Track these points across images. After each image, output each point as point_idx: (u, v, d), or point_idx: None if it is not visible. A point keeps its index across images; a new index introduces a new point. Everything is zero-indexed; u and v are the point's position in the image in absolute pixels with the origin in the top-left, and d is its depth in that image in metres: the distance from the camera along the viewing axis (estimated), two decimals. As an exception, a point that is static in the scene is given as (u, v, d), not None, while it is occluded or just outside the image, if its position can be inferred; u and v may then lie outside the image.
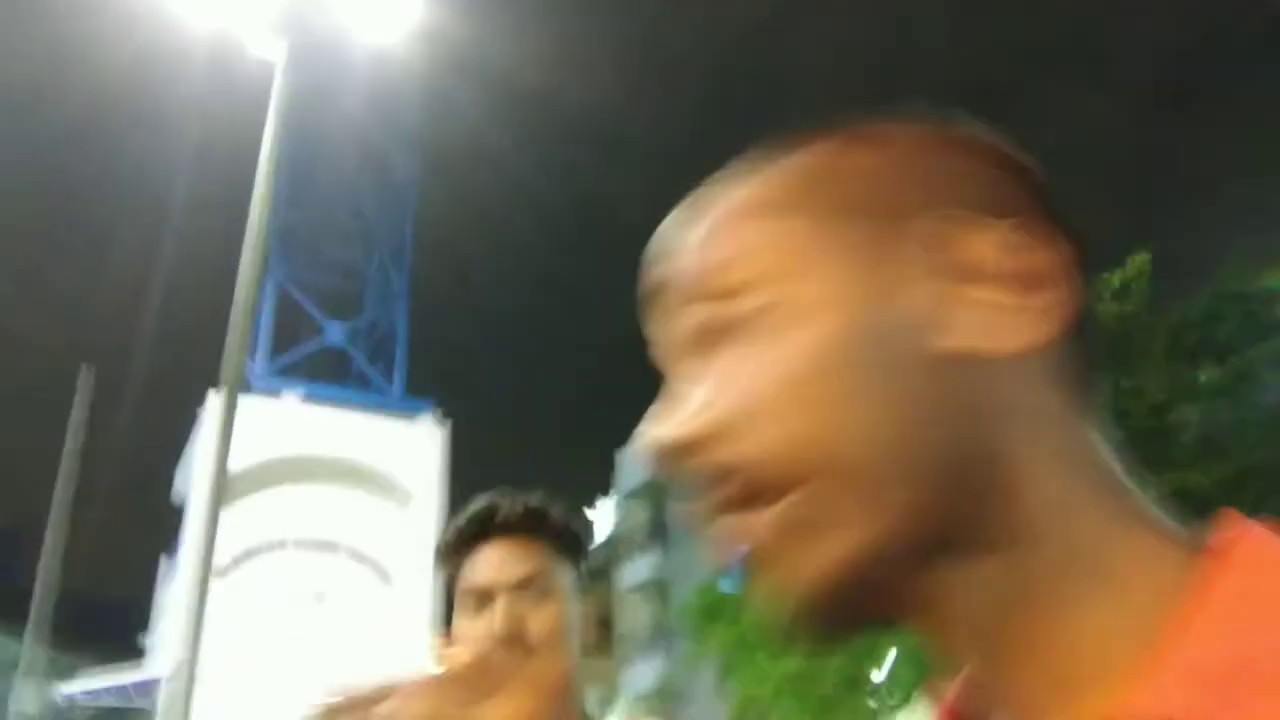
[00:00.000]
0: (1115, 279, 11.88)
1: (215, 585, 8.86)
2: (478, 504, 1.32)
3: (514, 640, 1.21)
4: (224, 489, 8.81)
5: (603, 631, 30.11)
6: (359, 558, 23.18)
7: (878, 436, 0.40)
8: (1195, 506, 0.42)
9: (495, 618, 1.22)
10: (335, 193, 25.41)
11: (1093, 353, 0.45)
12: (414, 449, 21.34)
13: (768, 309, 0.43)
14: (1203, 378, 11.96)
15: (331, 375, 24.00)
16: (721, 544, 0.43)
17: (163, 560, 23.61)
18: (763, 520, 0.41)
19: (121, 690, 20.38)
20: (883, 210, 0.44)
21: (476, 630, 1.24)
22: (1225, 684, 0.34)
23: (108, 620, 34.80)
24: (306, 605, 21.26)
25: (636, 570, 28.72)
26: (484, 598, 1.25)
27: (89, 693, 20.73)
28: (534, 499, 1.33)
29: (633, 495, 29.59)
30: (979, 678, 0.43)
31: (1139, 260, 12.09)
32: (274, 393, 21.13)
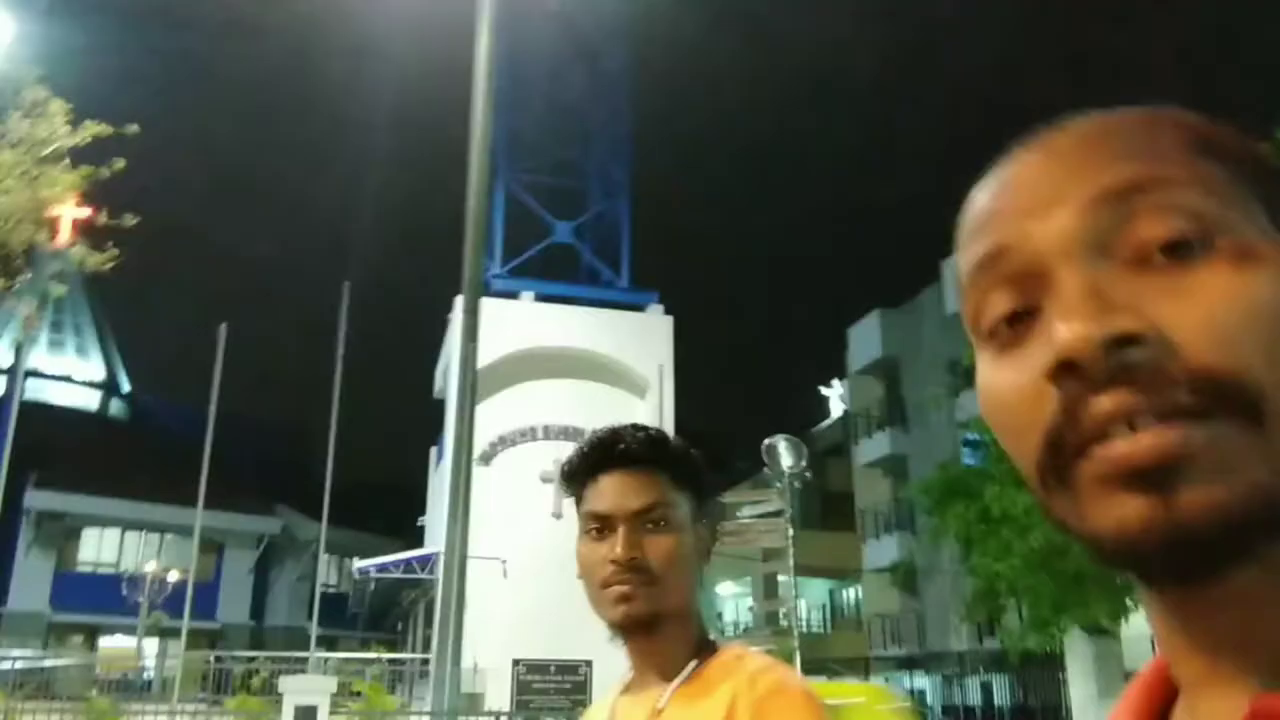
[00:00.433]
0: None
1: (476, 471, 9.66)
2: (602, 432, 1.35)
3: (633, 566, 1.25)
4: (475, 385, 9.49)
5: (841, 507, 30.33)
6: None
7: None
8: None
9: (616, 543, 1.27)
10: (551, 92, 25.86)
11: None
12: (643, 340, 21.92)
13: (1217, 231, 0.44)
14: None
15: (563, 272, 24.90)
16: (1127, 448, 0.41)
17: (432, 451, 25.76)
18: (1184, 435, 0.40)
19: (406, 564, 22.56)
20: (1249, 176, 0.47)
21: (596, 554, 1.29)
22: None
23: (392, 504, 38.66)
24: (557, 486, 22.58)
25: (873, 446, 28.55)
26: (605, 523, 1.29)
27: (378, 566, 23.16)
28: (655, 431, 1.36)
29: (865, 372, 29.23)
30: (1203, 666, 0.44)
31: None
32: (511, 293, 22.19)
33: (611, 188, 25.52)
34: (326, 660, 20.68)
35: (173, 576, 29.00)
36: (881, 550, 27.28)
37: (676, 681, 1.26)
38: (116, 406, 49.82)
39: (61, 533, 37.01)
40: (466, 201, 9.30)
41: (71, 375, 47.26)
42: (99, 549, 38.25)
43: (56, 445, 35.01)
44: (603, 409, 22.69)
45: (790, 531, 13.00)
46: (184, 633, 19.33)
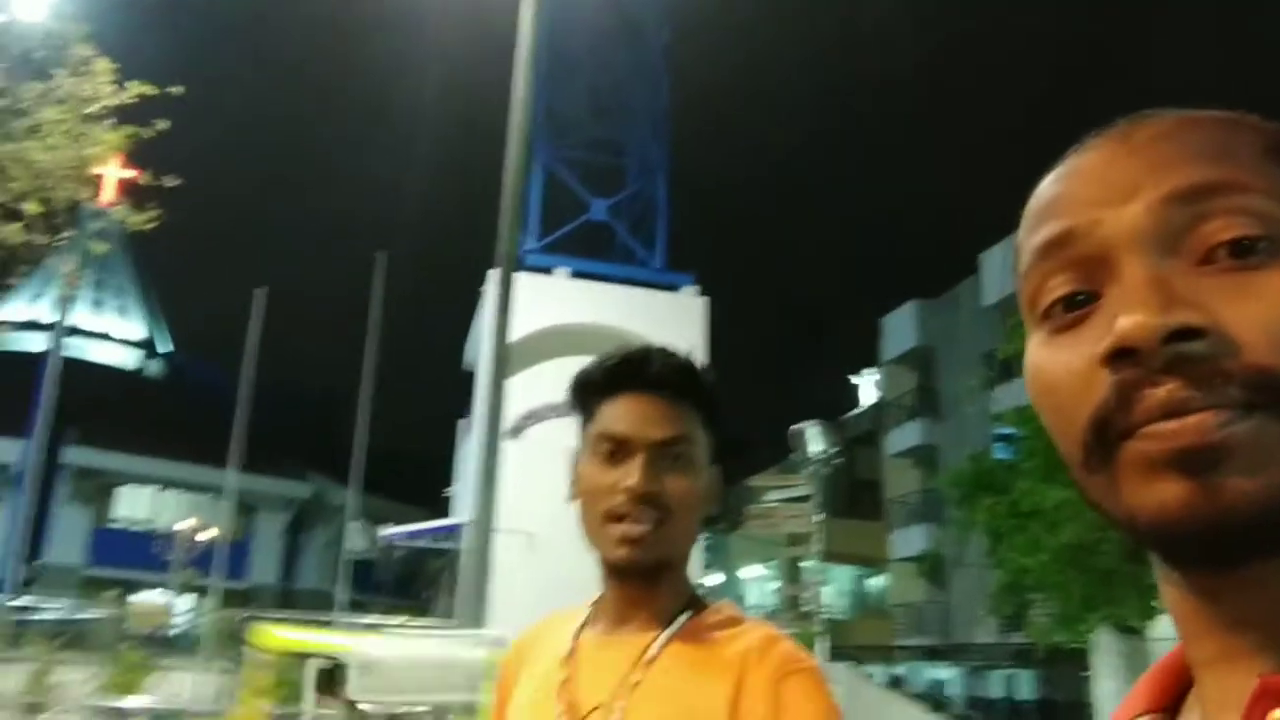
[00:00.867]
0: None
1: (503, 444, 9.69)
2: (631, 349, 1.24)
3: (649, 500, 1.14)
4: (506, 359, 9.50)
5: (869, 495, 30.21)
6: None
7: None
8: None
9: (633, 472, 1.15)
10: (592, 68, 25.75)
11: None
12: (677, 320, 21.85)
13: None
14: None
15: (597, 249, 24.86)
16: (1175, 429, 0.42)
17: (461, 422, 25.93)
18: (1232, 425, 0.41)
19: (433, 532, 22.77)
20: None
21: (606, 479, 1.17)
22: None
23: (418, 474, 39.00)
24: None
25: (904, 436, 28.38)
26: (621, 448, 1.18)
27: (406, 534, 23.40)
28: (688, 358, 1.25)
29: (899, 362, 29.02)
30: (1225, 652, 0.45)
31: None
32: (545, 269, 22.21)
33: (649, 166, 25.42)
34: (351, 624, 20.93)
35: (205, 536, 29.47)
36: (909, 540, 27.17)
37: (669, 632, 1.16)
38: (155, 367, 50.59)
39: (98, 489, 37.72)
40: (504, 175, 9.29)
41: (112, 334, 48.00)
42: (134, 506, 38.96)
43: (96, 403, 35.60)
44: (633, 387, 22.62)
45: (817, 517, 12.97)
46: (215, 591, 19.64)
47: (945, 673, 26.92)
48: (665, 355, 1.23)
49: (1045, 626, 13.99)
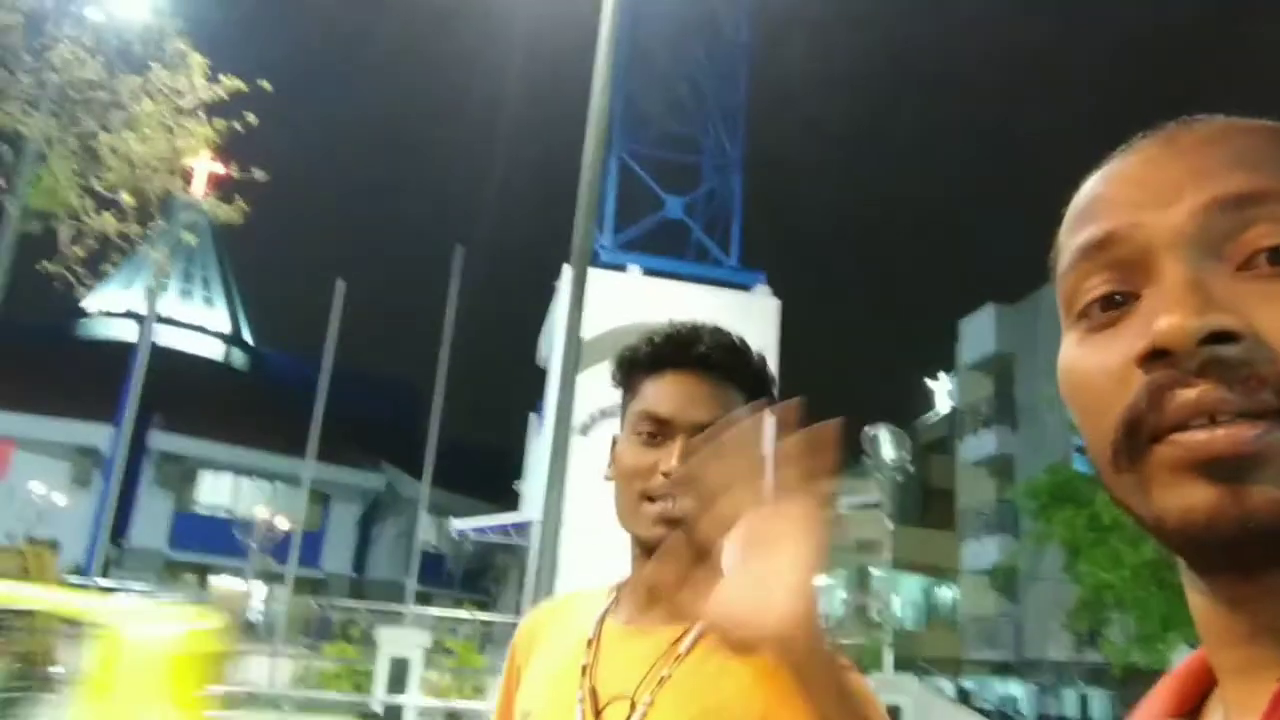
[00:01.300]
0: None
1: (574, 441, 9.72)
2: (680, 326, 1.19)
3: (688, 485, 1.08)
4: (578, 355, 9.53)
5: (941, 504, 29.65)
6: (703, 421, 24.16)
7: None
8: None
9: (673, 454, 1.11)
10: (670, 66, 25.74)
11: None
12: (749, 320, 21.70)
13: None
14: None
15: (671, 247, 24.83)
16: (1206, 437, 0.42)
17: (532, 417, 26.13)
18: (1264, 434, 0.41)
19: (502, 528, 23.00)
20: None
21: (644, 460, 1.13)
22: None
23: (489, 467, 39.45)
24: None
25: (980, 444, 27.81)
26: (662, 429, 1.13)
27: (476, 529, 23.66)
28: (738, 339, 1.19)
29: (976, 367, 28.44)
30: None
31: None
32: (619, 266, 22.25)
33: (725, 165, 25.31)
34: (422, 616, 21.25)
35: (282, 524, 30.19)
36: (981, 551, 26.62)
37: (702, 625, 1.08)
38: (238, 357, 52.01)
39: (181, 475, 38.88)
40: (580, 171, 9.31)
41: (198, 324, 49.47)
42: (215, 493, 40.07)
43: (181, 391, 36.71)
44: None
45: (888, 524, 12.76)
46: (290, 578, 20.10)
47: (1016, 689, 26.30)
48: (715, 334, 1.17)
49: (1122, 645, 13.60)
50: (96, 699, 4.03)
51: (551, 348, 20.89)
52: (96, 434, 35.03)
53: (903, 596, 31.39)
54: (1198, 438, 0.41)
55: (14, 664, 5.90)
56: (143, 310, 30.17)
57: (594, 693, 1.10)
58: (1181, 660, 0.53)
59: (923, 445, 27.50)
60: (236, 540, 31.64)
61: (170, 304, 45.18)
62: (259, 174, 8.65)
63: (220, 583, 37.95)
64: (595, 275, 10.14)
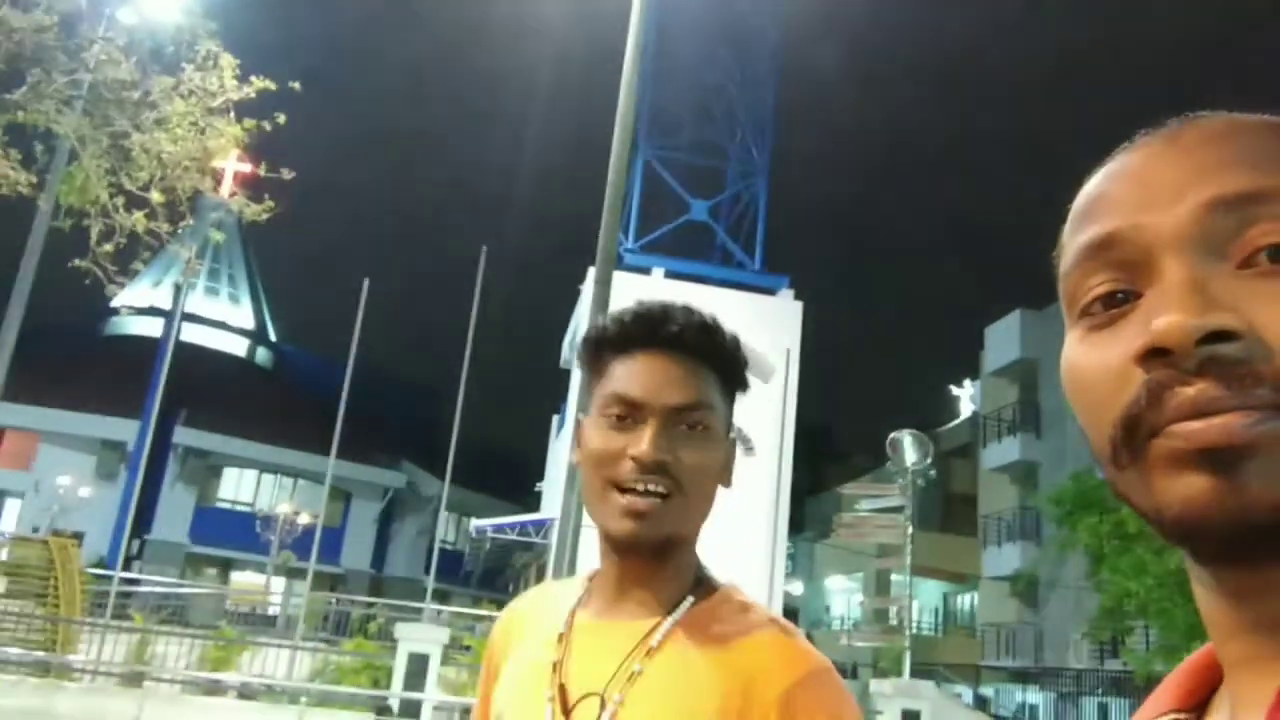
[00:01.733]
0: None
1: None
2: (650, 305, 1.13)
3: (660, 470, 1.04)
4: (601, 357, 9.52)
5: (962, 510, 29.49)
6: (723, 425, 24.13)
7: None
8: None
9: (643, 440, 1.05)
10: (698, 69, 25.75)
11: None
12: (772, 324, 21.67)
13: None
14: None
15: (695, 250, 24.83)
16: (1202, 427, 0.42)
17: (554, 418, 26.18)
18: (1261, 425, 0.41)
19: (522, 527, 23.04)
20: None
21: (613, 444, 1.07)
22: None
23: (512, 468, 39.56)
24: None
25: (1003, 451, 27.61)
26: (632, 412, 1.07)
27: (495, 527, 23.72)
28: (710, 318, 1.14)
29: (1000, 374, 28.25)
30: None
31: None
32: (643, 269, 22.25)
33: (751, 169, 25.29)
34: (440, 613, 21.33)
35: (303, 519, 30.40)
36: (1002, 558, 26.43)
37: (673, 618, 1.06)
38: (262, 354, 52.38)
39: (204, 470, 39.23)
40: (606, 173, 9.33)
41: (224, 321, 49.86)
42: (237, 488, 40.40)
43: (205, 387, 37.05)
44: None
45: (909, 529, 12.71)
46: (310, 573, 20.24)
47: (1035, 697, 26.11)
48: (688, 314, 1.12)
49: (1145, 655, 13.46)
50: None
51: (575, 349, 20.93)
52: (122, 428, 35.42)
53: (922, 602, 31.25)
54: (1193, 427, 0.42)
55: None
56: (169, 307, 30.48)
57: (563, 690, 1.06)
58: (1192, 654, 0.53)
59: (945, 451, 27.36)
60: (257, 535, 31.91)
61: (196, 301, 45.55)
62: (287, 173, 8.72)
63: (241, 577, 38.28)
64: (619, 277, 10.14)
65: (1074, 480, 14.10)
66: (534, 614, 1.21)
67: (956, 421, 32.94)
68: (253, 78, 8.17)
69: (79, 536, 25.00)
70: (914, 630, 15.15)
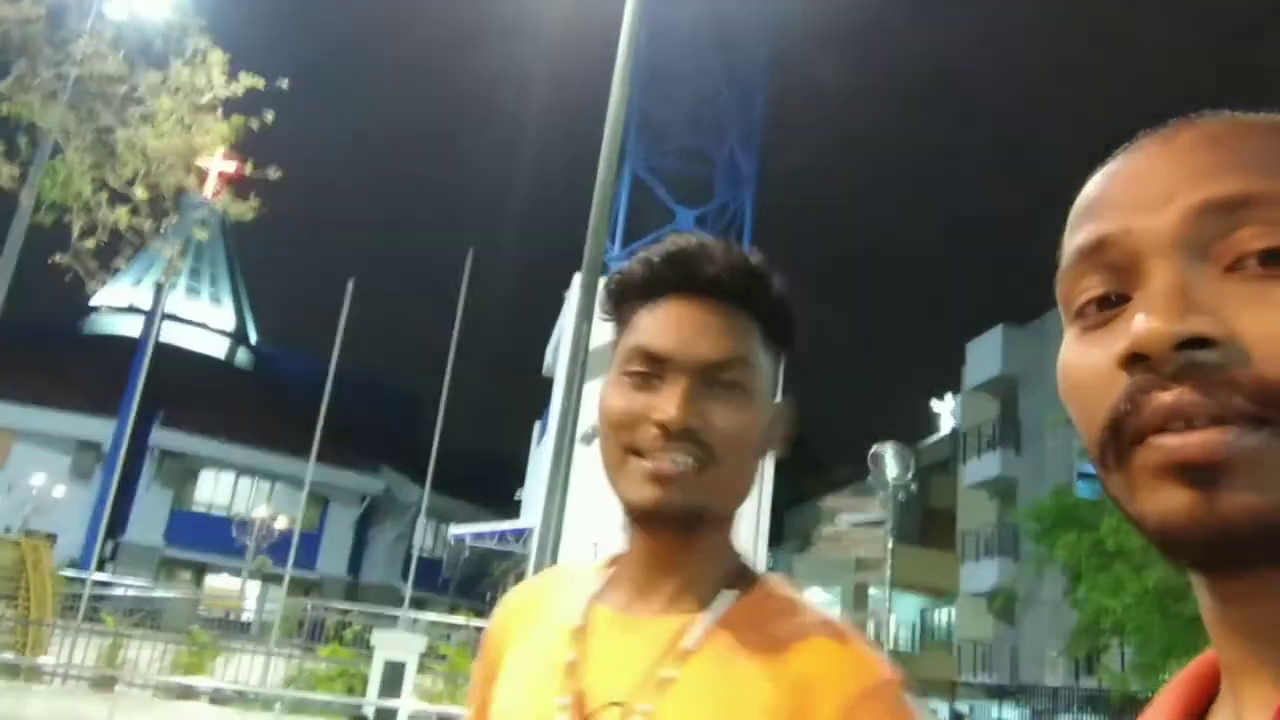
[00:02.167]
0: None
1: (577, 450, 9.69)
2: (683, 242, 0.96)
3: (687, 436, 0.90)
4: (585, 363, 9.51)
5: (941, 525, 29.57)
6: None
7: None
8: None
9: (671, 400, 0.91)
10: (687, 79, 25.83)
11: None
12: (758, 334, 21.69)
13: None
14: None
15: (680, 260, 24.82)
16: (1179, 443, 0.43)
17: (536, 426, 26.09)
18: (1236, 439, 0.42)
19: (501, 535, 22.92)
20: None
21: (634, 405, 0.92)
22: None
23: (492, 475, 39.36)
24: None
25: (983, 466, 27.72)
26: (658, 367, 0.93)
27: (474, 535, 23.59)
28: (756, 259, 0.98)
29: (981, 389, 28.39)
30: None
31: None
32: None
33: (738, 179, 25.38)
34: (416, 621, 21.17)
35: (279, 524, 30.16)
36: (980, 573, 26.52)
37: (712, 616, 0.91)
38: (243, 356, 52.04)
39: (181, 472, 38.87)
40: (594, 180, 9.32)
41: (204, 322, 49.50)
42: (214, 491, 40.05)
43: (184, 388, 36.72)
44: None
45: (890, 543, 12.71)
46: (286, 579, 20.04)
47: (1011, 714, 26.18)
48: (727, 253, 0.95)
49: (1121, 672, 13.51)
50: None
51: (558, 356, 20.87)
52: (99, 428, 35.04)
53: (900, 616, 31.30)
54: (1171, 443, 0.42)
55: None
56: (149, 306, 30.22)
57: (580, 696, 0.91)
58: (1193, 661, 0.53)
59: (925, 466, 27.43)
60: (233, 539, 31.62)
61: (177, 301, 45.22)
62: (273, 172, 8.66)
63: (215, 581, 37.90)
64: (604, 285, 10.12)
65: (1053, 497, 14.18)
66: (543, 602, 1.04)
67: (937, 436, 33.07)
68: (241, 74, 8.12)
69: (52, 537, 24.71)
70: (891, 645, 15.17)
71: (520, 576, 20.96)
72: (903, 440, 12.80)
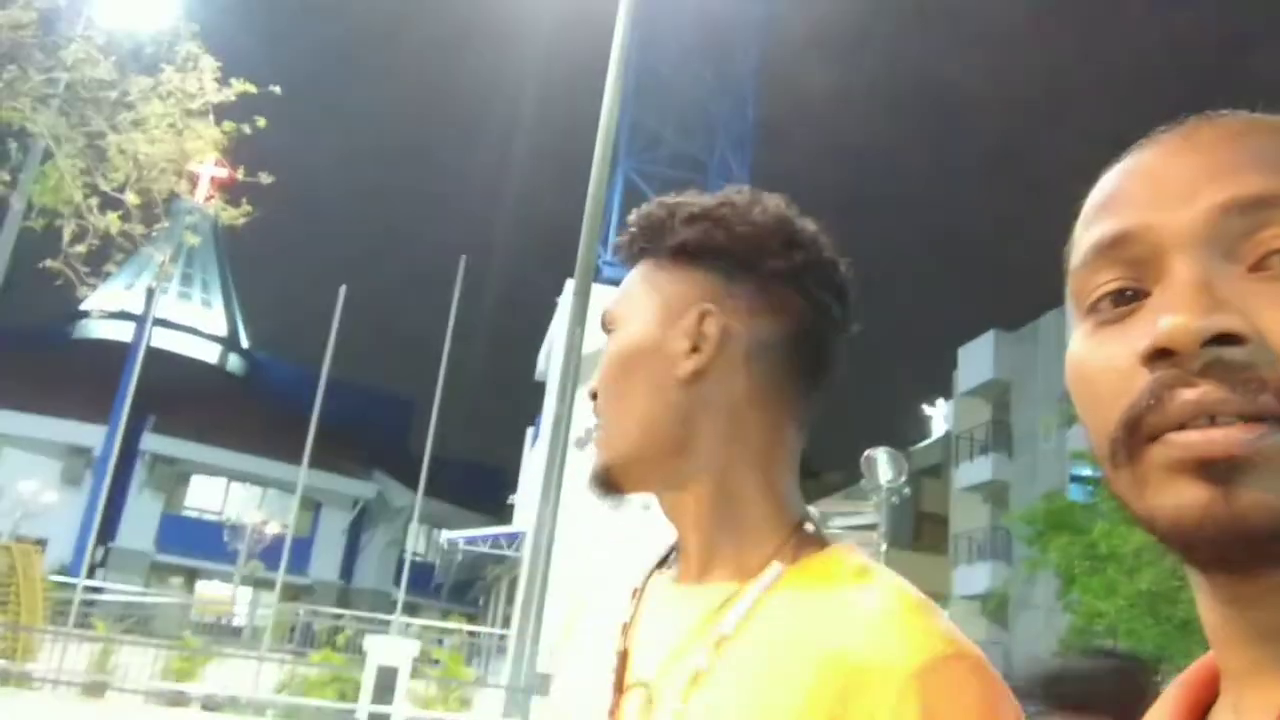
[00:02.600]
0: None
1: (570, 455, 9.69)
2: (647, 210, 0.99)
3: (592, 397, 0.96)
4: (578, 368, 9.52)
5: (933, 529, 29.63)
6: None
7: None
8: None
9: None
10: (678, 85, 25.89)
11: None
12: (750, 338, 21.74)
13: None
14: None
15: (673, 264, 24.86)
16: (1201, 438, 0.42)
17: (529, 431, 26.09)
18: (1260, 437, 0.41)
19: (494, 539, 22.90)
20: None
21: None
22: None
23: (484, 480, 39.31)
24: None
25: (975, 470, 27.78)
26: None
27: (467, 539, 23.56)
28: (731, 192, 0.96)
29: (973, 394, 28.46)
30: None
31: None
32: (620, 282, 22.27)
33: (730, 184, 25.45)
34: (409, 626, 21.14)
35: (271, 529, 30.06)
36: (972, 577, 26.56)
37: (752, 593, 0.80)
38: (234, 361, 51.86)
39: (172, 477, 38.72)
40: (586, 186, 9.34)
41: (195, 327, 49.32)
42: (206, 496, 39.90)
43: (175, 393, 36.55)
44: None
45: (883, 547, 12.72)
46: (278, 584, 19.99)
47: (1005, 716, 26.22)
48: (685, 209, 0.96)
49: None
50: None
51: (551, 361, 20.86)
52: (90, 434, 34.88)
53: (893, 621, 31.25)
54: (1192, 438, 0.42)
55: None
56: (140, 311, 30.09)
57: (625, 657, 0.86)
58: (1190, 666, 0.52)
59: (917, 470, 27.48)
60: (224, 544, 31.51)
61: (168, 306, 45.06)
62: (265, 177, 8.65)
63: (207, 587, 37.76)
64: (597, 290, 10.15)
65: (1045, 500, 14.22)
66: (619, 581, 0.98)
67: (929, 440, 33.14)
68: (233, 80, 8.12)
69: (42, 543, 24.58)
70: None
71: (513, 581, 20.92)
72: (895, 444, 12.83)
